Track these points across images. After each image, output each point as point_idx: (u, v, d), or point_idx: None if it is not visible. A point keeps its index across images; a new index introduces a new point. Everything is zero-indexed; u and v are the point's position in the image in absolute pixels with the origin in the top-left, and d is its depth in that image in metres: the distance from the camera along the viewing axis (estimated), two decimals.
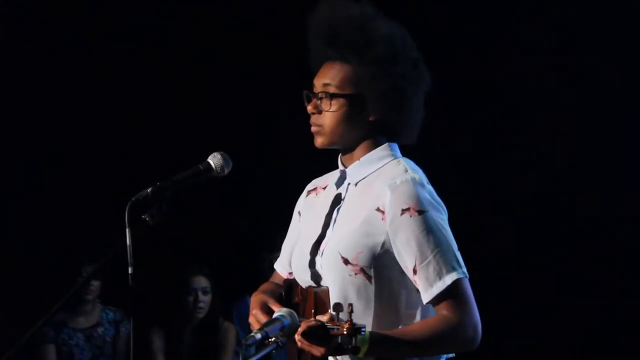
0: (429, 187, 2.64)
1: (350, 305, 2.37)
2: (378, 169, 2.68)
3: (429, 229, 2.55)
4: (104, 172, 6.08)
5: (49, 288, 4.83)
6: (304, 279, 2.70)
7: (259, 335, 2.44)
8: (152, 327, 5.74)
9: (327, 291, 2.60)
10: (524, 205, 5.80)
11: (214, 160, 2.64)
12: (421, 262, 2.54)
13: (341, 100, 2.65)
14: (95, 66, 6.08)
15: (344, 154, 2.73)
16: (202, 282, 5.71)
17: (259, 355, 2.44)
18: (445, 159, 5.58)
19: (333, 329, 2.37)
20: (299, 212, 2.88)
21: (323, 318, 2.44)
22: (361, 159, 2.69)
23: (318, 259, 2.66)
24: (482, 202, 5.83)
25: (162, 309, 5.74)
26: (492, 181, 5.83)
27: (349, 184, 2.72)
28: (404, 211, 2.56)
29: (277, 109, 5.85)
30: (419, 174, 2.65)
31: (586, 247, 5.68)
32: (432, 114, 2.76)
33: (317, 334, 2.40)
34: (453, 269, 2.54)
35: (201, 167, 2.64)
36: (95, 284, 5.77)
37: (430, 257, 2.54)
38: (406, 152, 2.74)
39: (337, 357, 2.55)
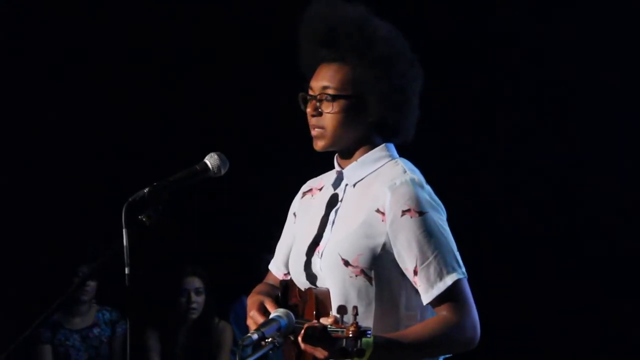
0: (428, 187, 2.64)
1: (355, 307, 2.38)
2: (376, 169, 2.67)
3: (429, 230, 2.55)
4: (101, 173, 6.08)
5: (45, 288, 4.83)
6: (302, 281, 2.70)
7: (255, 336, 2.43)
8: (148, 328, 5.75)
9: (327, 293, 2.60)
10: (523, 205, 5.81)
11: (210, 160, 2.63)
12: (422, 263, 2.54)
13: (342, 102, 2.64)
14: (94, 66, 6.07)
15: (340, 155, 2.73)
16: (195, 282, 5.71)
17: (255, 356, 2.43)
18: (440, 160, 5.58)
19: (337, 331, 2.37)
20: (294, 214, 2.87)
21: (327, 321, 2.43)
22: (359, 159, 2.68)
23: (317, 260, 2.66)
24: (480, 202, 5.83)
25: (157, 310, 5.73)
26: (488, 182, 5.83)
27: (346, 185, 2.71)
28: (404, 212, 2.56)
29: (272, 110, 5.84)
30: (418, 175, 2.65)
31: (586, 246, 5.69)
32: (426, 114, 2.76)
33: (320, 336, 2.40)
34: (453, 270, 2.55)
35: (198, 168, 2.62)
36: (92, 285, 5.76)
37: (431, 258, 2.54)
38: (400, 153, 2.74)
39: None
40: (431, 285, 2.54)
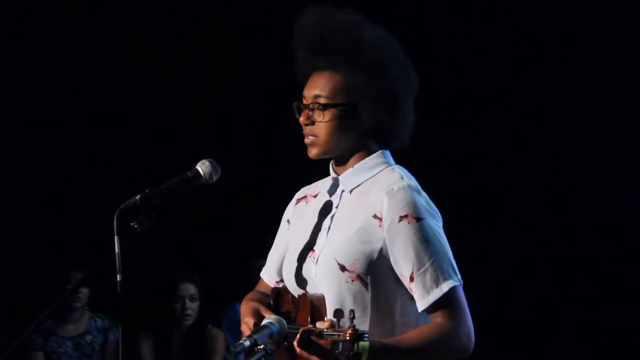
0: (424, 194, 2.64)
1: (352, 311, 2.37)
2: (372, 176, 2.67)
3: (426, 237, 2.56)
4: (94, 179, 6.07)
5: (38, 296, 4.82)
6: (296, 287, 2.69)
7: (247, 343, 2.43)
8: (141, 334, 5.74)
9: (322, 298, 2.60)
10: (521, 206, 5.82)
11: (202, 167, 2.62)
12: (418, 270, 2.55)
13: (334, 110, 2.65)
14: (94, 66, 6.06)
15: (336, 162, 2.73)
16: (189, 289, 5.71)
17: None
18: (436, 164, 5.59)
19: (333, 335, 2.36)
20: (288, 221, 2.87)
21: (323, 325, 2.42)
22: (355, 166, 2.69)
23: (312, 266, 2.65)
24: (478, 203, 5.84)
25: (150, 316, 5.73)
26: (483, 184, 5.84)
27: (342, 191, 2.71)
28: (401, 218, 2.56)
29: (268, 117, 5.84)
30: (414, 182, 2.65)
31: (585, 247, 5.70)
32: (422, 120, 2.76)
33: (317, 340, 2.39)
34: (449, 277, 2.55)
35: (190, 175, 2.61)
36: (84, 292, 5.75)
37: (428, 265, 2.55)
38: (397, 159, 2.74)
39: None
40: (427, 291, 2.54)
